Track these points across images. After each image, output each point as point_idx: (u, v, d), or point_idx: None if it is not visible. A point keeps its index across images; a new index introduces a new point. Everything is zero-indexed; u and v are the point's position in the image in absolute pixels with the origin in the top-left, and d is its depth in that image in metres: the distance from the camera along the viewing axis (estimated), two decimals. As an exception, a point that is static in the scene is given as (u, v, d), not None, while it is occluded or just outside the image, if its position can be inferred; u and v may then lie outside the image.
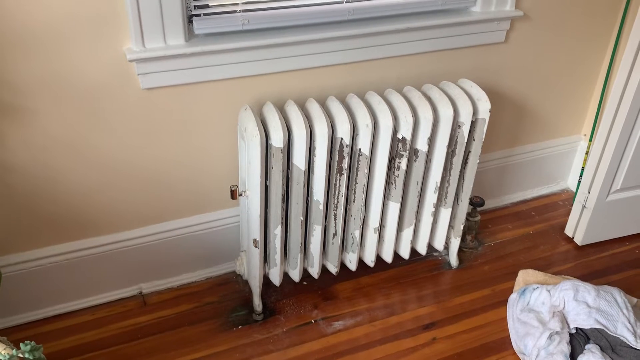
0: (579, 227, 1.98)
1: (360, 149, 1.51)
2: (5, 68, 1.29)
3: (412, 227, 1.73)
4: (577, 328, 1.56)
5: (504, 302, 1.77)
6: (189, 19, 1.41)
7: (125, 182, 1.56)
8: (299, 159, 1.45)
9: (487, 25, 1.71)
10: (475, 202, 1.90)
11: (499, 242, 2.01)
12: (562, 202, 2.20)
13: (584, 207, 1.94)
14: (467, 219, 1.89)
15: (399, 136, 1.54)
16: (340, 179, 1.54)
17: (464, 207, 1.78)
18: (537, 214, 2.14)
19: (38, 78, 1.33)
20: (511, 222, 2.10)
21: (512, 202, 2.18)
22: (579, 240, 2.00)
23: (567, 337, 1.53)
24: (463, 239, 1.94)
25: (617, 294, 1.61)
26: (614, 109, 1.76)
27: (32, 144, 1.41)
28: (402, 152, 1.56)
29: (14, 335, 1.58)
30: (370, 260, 1.76)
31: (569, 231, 2.03)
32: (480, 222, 2.02)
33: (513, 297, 1.72)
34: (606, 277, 1.88)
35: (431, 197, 1.69)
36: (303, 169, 1.47)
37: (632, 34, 1.65)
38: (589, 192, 1.91)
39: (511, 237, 2.03)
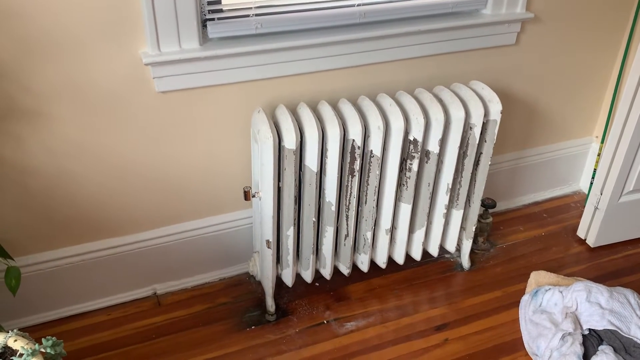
0: (592, 229, 1.98)
1: (371, 151, 1.52)
2: (25, 73, 1.32)
3: (423, 229, 1.74)
4: (590, 329, 1.56)
5: (516, 304, 1.77)
6: (203, 23, 1.43)
7: (139, 184, 1.58)
8: (311, 161, 1.47)
9: (497, 27, 1.72)
10: (487, 204, 1.90)
11: (511, 244, 2.01)
12: (574, 204, 2.19)
13: (596, 208, 1.94)
14: (479, 221, 1.90)
15: (411, 138, 1.55)
16: (352, 181, 1.55)
17: (475, 208, 1.79)
18: (549, 216, 2.13)
19: (56, 83, 1.36)
20: (523, 223, 2.10)
21: (524, 204, 2.18)
22: (591, 242, 1.99)
23: (580, 338, 1.52)
24: (475, 241, 1.95)
25: (631, 296, 1.60)
26: (625, 111, 1.75)
27: (50, 148, 1.43)
28: (413, 154, 1.57)
29: (31, 335, 1.60)
30: (381, 262, 1.77)
31: (581, 233, 2.03)
32: (492, 223, 2.02)
33: (525, 298, 1.72)
34: (619, 279, 1.87)
35: (443, 198, 1.70)
36: (315, 171, 1.48)
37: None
38: (601, 194, 1.91)
39: (523, 238, 2.03)
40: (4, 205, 1.47)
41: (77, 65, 1.35)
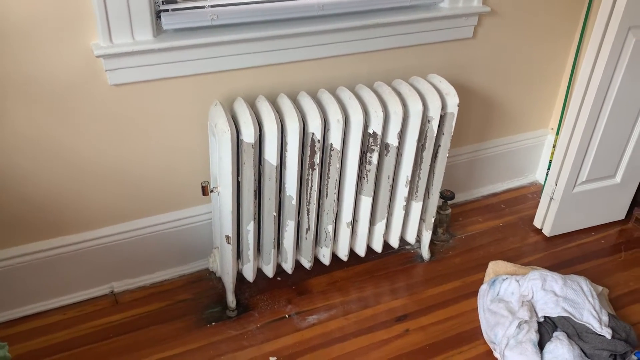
0: (547, 219, 2.03)
1: (331, 144, 1.52)
2: (-32, 64, 1.27)
3: (384, 221, 1.75)
4: (545, 316, 1.60)
5: (475, 293, 1.80)
6: (157, 15, 1.40)
7: (95, 179, 1.54)
8: (271, 155, 1.46)
9: (455, 21, 1.73)
10: (446, 196, 1.93)
11: (470, 235, 2.04)
12: (531, 195, 2.24)
13: (551, 199, 1.99)
14: (438, 212, 1.92)
15: (370, 131, 1.55)
16: (312, 174, 1.55)
17: (434, 200, 1.81)
18: (507, 207, 2.18)
19: (5, 76, 1.31)
20: (481, 214, 2.13)
21: (483, 195, 2.22)
22: (547, 231, 2.04)
23: (535, 326, 1.56)
24: (434, 232, 1.97)
25: (583, 283, 1.65)
26: (578, 102, 1.80)
27: (0, 143, 1.38)
28: (373, 147, 1.57)
29: (-19, 338, 1.55)
30: (343, 255, 1.77)
31: (537, 223, 2.08)
32: (451, 215, 2.05)
33: (483, 287, 1.75)
34: (573, 267, 1.92)
35: (402, 191, 1.71)
36: (275, 165, 1.47)
37: (594, 29, 1.70)
38: (556, 185, 1.95)
39: (482, 229, 2.07)
40: (-51, 204, 1.41)
41: (27, 58, 1.30)
